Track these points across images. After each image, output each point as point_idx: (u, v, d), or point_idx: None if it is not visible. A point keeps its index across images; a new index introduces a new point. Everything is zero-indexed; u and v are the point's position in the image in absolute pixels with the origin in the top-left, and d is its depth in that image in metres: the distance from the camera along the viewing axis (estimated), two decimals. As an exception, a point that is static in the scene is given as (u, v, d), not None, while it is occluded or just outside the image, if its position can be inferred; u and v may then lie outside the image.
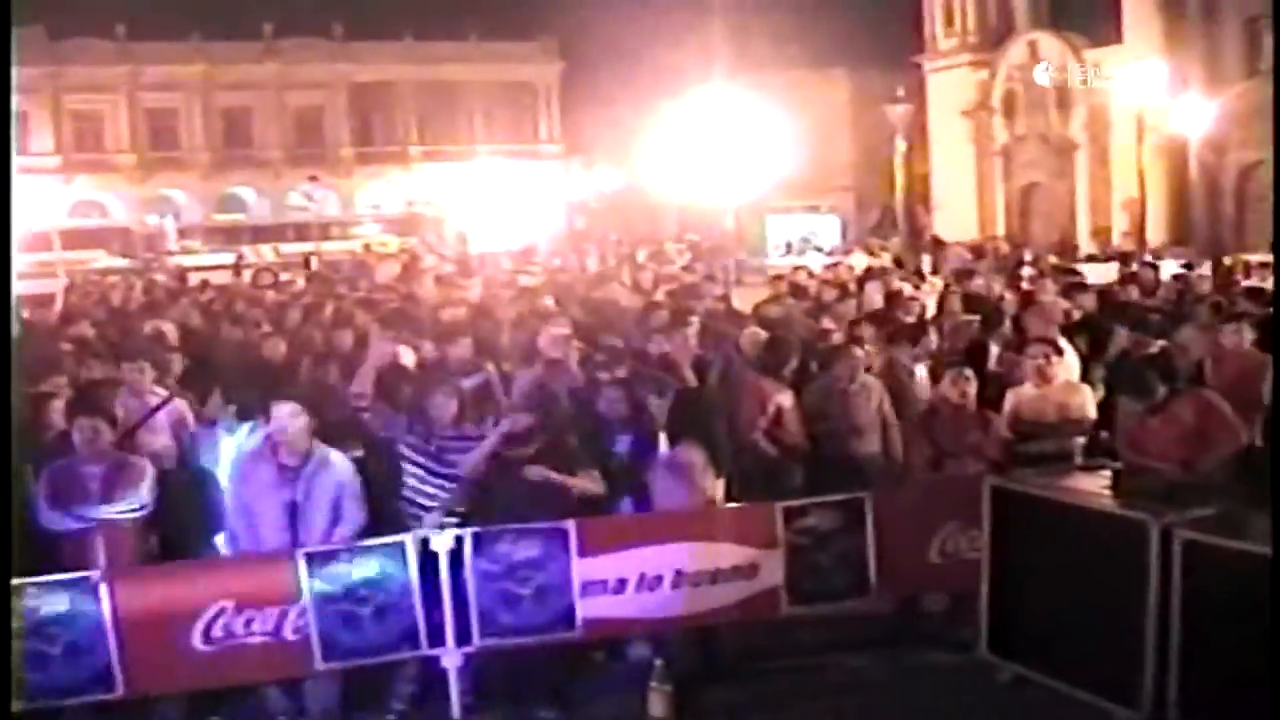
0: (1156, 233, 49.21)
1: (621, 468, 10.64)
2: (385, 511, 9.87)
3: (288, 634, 9.23)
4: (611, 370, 11.97)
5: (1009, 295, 17.99)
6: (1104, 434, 12.01)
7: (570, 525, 9.59)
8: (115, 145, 79.08)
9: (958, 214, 61.73)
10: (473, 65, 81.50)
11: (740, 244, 43.24)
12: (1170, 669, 8.39)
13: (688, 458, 10.33)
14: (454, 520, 9.71)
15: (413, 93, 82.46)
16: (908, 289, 19.82)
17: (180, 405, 11.99)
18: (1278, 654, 7.58)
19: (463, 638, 9.42)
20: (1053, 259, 32.74)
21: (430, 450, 10.04)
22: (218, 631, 9.12)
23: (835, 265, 27.81)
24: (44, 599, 8.86)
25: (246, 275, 33.55)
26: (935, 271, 26.93)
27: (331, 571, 9.21)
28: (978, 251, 38.26)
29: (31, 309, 21.28)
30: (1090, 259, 38.07)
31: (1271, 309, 14.88)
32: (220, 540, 10.10)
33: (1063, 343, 12.70)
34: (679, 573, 9.75)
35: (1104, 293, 18.04)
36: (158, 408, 11.80)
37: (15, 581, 8.81)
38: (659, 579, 9.73)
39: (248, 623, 9.16)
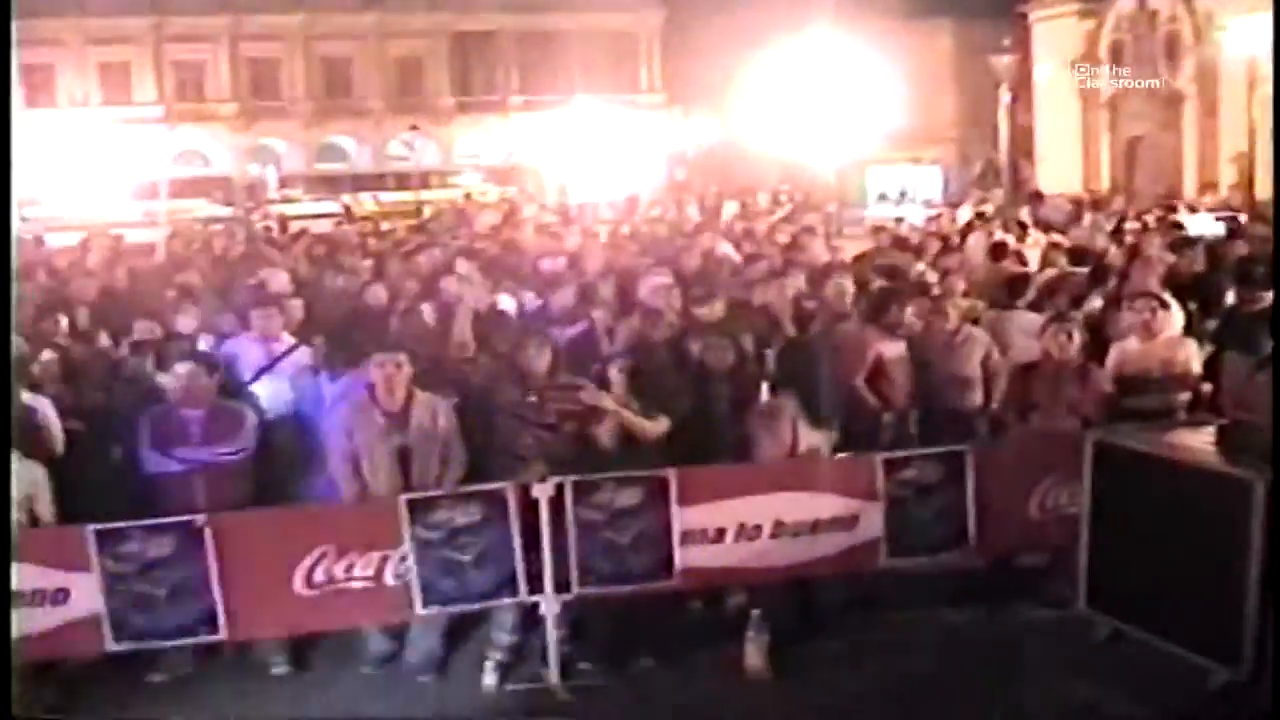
0: (1265, 187, 48.35)
1: (722, 418, 10.63)
2: (481, 461, 9.95)
3: (388, 579, 9.30)
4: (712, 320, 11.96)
5: (1113, 249, 17.79)
6: (1208, 388, 11.85)
7: (671, 474, 9.59)
8: (217, 94, 79.81)
9: (1061, 167, 61.05)
10: (574, 14, 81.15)
11: (840, 195, 42.99)
12: (1271, 628, 8.31)
13: (778, 407, 10.31)
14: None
15: (513, 42, 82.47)
16: (1010, 241, 19.66)
17: (304, 353, 11.98)
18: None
19: (561, 586, 9.47)
20: (1157, 212, 32.26)
21: (528, 401, 10.07)
22: (320, 576, 9.21)
23: (937, 217, 27.63)
24: (149, 542, 8.97)
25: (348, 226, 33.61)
26: (1038, 224, 26.60)
27: (432, 518, 9.26)
28: (1078, 204, 37.81)
29: (133, 258, 21.50)
30: (1191, 211, 37.47)
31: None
32: (321, 486, 10.19)
33: (1168, 297, 12.55)
34: (778, 523, 9.74)
35: (1211, 247, 17.77)
36: (282, 355, 11.92)
37: (121, 525, 8.98)
38: (758, 529, 9.72)
39: (349, 568, 9.25)
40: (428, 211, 41.95)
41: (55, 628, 8.92)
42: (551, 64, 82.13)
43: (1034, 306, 13.46)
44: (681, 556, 9.63)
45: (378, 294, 14.39)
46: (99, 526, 8.92)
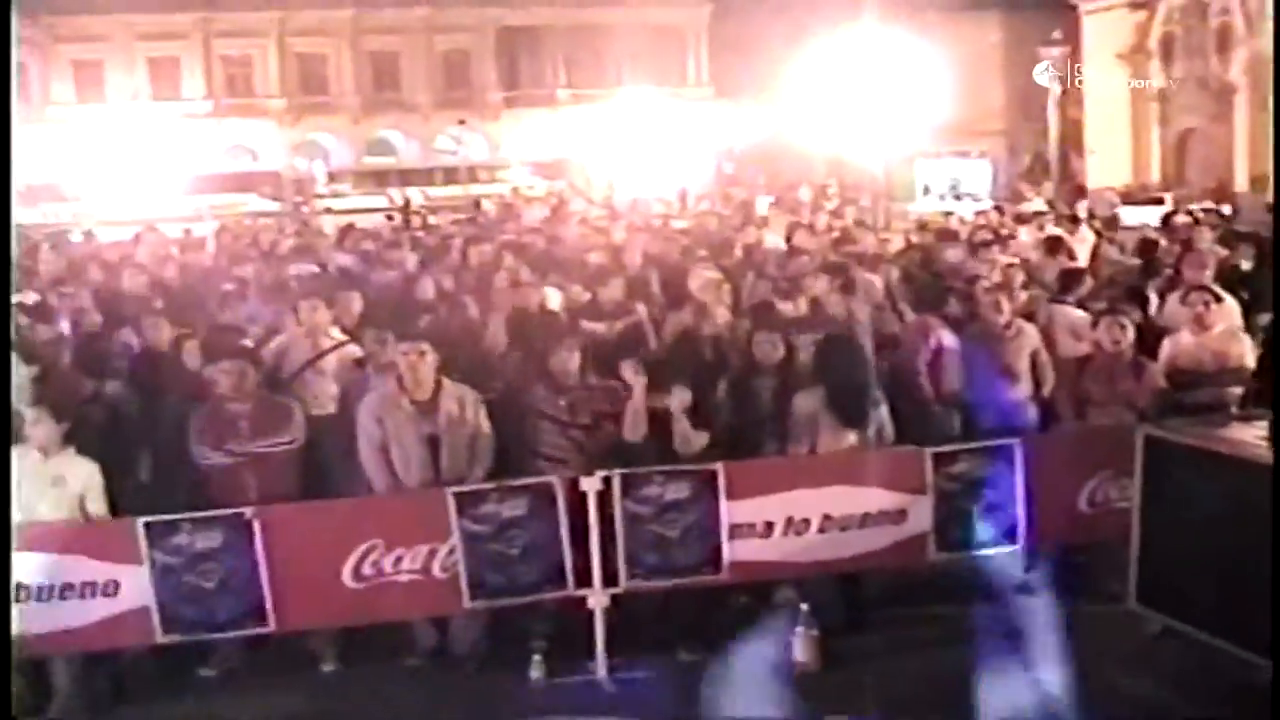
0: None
1: (767, 412, 10.60)
2: (511, 460, 9.95)
3: (436, 572, 9.34)
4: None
5: (1165, 242, 17.67)
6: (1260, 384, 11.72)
7: (719, 468, 9.59)
8: (265, 90, 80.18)
9: (1111, 159, 60.70)
10: (621, 7, 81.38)
11: (889, 189, 42.82)
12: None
13: (808, 405, 10.21)
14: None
15: (560, 36, 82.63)
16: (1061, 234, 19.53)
17: (353, 349, 11.83)
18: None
19: (609, 579, 9.48)
20: (1208, 204, 32.04)
21: (561, 403, 10.06)
22: (368, 569, 9.25)
23: (987, 211, 27.48)
24: (199, 535, 9.03)
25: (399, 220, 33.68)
26: (1091, 217, 26.44)
27: (480, 511, 9.28)
28: (1126, 197, 37.56)
29: (183, 252, 21.62)
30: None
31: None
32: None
33: (1222, 291, 12.44)
34: (827, 517, 9.72)
35: (1263, 240, 17.62)
36: (326, 351, 11.89)
37: (171, 517, 9.03)
38: (806, 523, 9.70)
39: (397, 560, 9.29)
40: (487, 205, 41.81)
41: (106, 619, 8.97)
42: (599, 58, 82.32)
43: (1084, 301, 13.37)
44: (730, 550, 9.62)
45: (425, 288, 14.39)
46: (149, 519, 8.99)
